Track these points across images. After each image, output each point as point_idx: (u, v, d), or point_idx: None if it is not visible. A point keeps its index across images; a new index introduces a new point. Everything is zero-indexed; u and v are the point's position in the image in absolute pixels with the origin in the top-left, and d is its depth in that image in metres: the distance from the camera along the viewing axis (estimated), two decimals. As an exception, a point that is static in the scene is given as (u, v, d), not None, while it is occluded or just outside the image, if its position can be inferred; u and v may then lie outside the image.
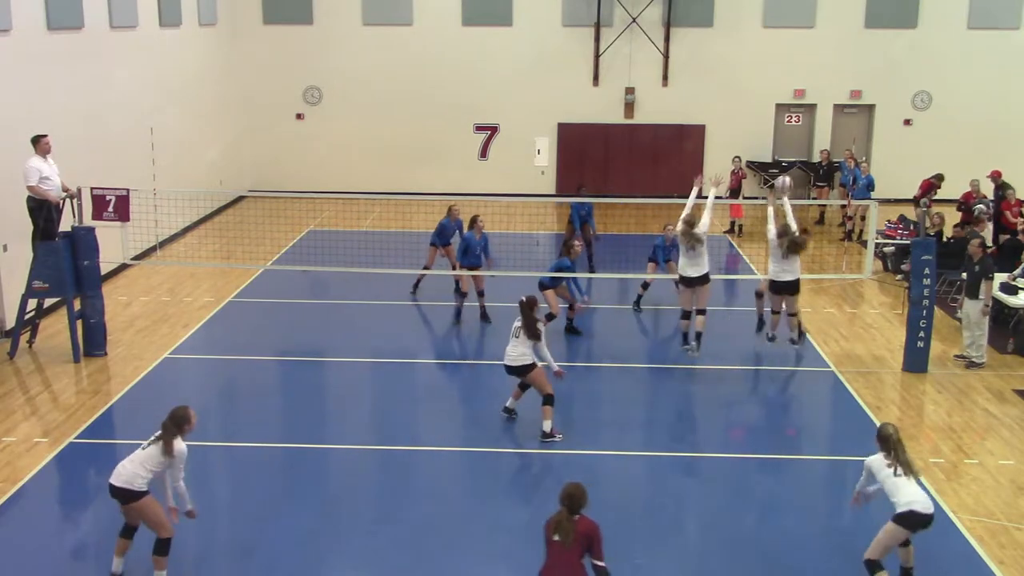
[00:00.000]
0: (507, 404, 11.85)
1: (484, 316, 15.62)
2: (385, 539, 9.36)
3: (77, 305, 13.87)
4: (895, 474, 8.11)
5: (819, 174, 24.58)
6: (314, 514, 9.77)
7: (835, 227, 23.38)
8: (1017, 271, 15.75)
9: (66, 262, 13.66)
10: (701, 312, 13.77)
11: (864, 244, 18.35)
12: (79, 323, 13.90)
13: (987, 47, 25.51)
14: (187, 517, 8.48)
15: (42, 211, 13.72)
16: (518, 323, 11.29)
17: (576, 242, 14.84)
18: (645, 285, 16.54)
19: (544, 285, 14.50)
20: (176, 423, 8.25)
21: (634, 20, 25.55)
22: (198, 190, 21.67)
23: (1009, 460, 11.16)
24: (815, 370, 13.95)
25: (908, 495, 8.01)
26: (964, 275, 14.16)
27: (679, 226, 13.65)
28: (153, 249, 19.00)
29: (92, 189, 14.09)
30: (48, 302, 14.57)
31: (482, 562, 9.03)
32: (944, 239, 17.71)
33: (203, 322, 15.78)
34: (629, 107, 26.25)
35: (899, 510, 8.02)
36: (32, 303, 14.16)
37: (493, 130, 26.42)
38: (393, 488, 10.46)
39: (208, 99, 23.68)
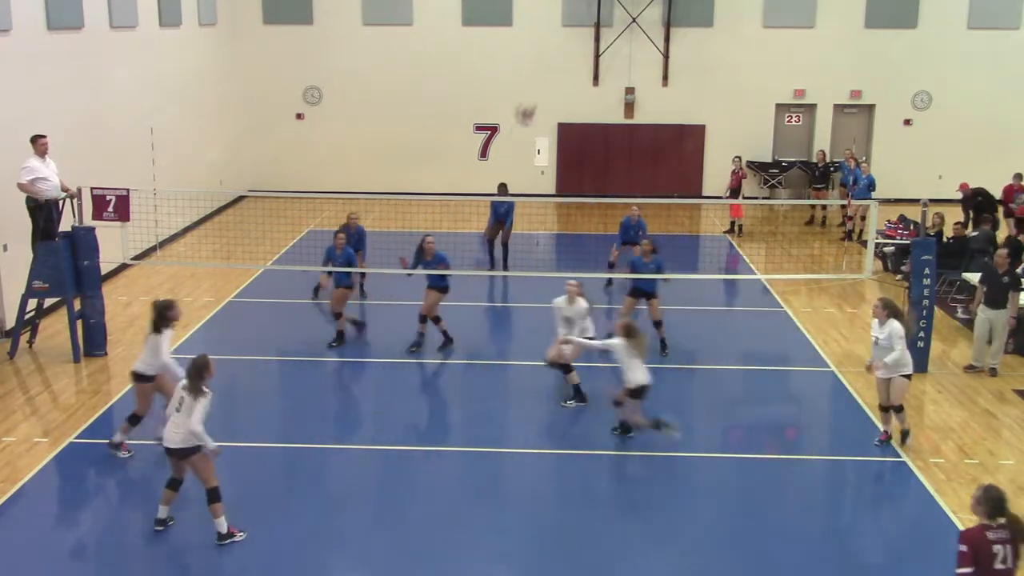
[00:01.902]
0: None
1: (357, 328, 14.80)
2: (385, 539, 9.37)
3: (77, 305, 13.87)
4: (631, 359, 10.97)
5: (815, 175, 24.58)
6: (314, 514, 9.77)
7: (835, 227, 23.38)
8: (1018, 270, 15.73)
9: (66, 262, 13.66)
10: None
11: (864, 244, 18.36)
12: (79, 323, 13.90)
13: (987, 47, 25.50)
14: (213, 455, 9.06)
15: (42, 211, 13.73)
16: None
17: (428, 239, 14.21)
18: (611, 265, 16.94)
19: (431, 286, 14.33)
20: (198, 371, 8.92)
21: (634, 20, 25.55)
22: (198, 190, 21.66)
23: (1009, 460, 11.15)
24: (815, 370, 13.95)
25: (640, 375, 10.99)
26: (973, 277, 14.02)
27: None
28: (153, 249, 19.00)
29: (92, 189, 14.08)
30: (48, 302, 14.58)
31: (482, 562, 9.03)
32: (944, 239, 17.72)
33: (203, 322, 15.79)
34: (629, 107, 26.24)
35: (631, 386, 11.01)
36: (32, 303, 14.16)
37: (493, 130, 26.41)
38: (393, 488, 10.46)
39: (208, 99, 23.68)
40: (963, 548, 6.68)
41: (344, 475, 10.84)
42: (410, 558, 9.03)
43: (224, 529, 9.12)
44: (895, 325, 10.90)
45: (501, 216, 18.70)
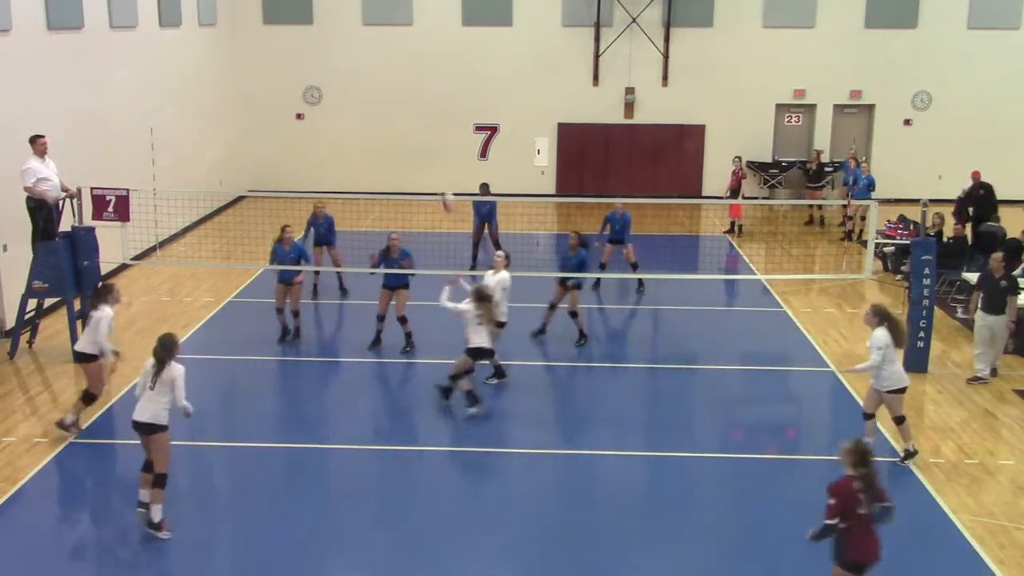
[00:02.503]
0: None
1: (296, 334, 14.66)
2: (385, 539, 9.37)
3: (77, 305, 13.87)
4: (477, 323, 11.71)
5: (809, 175, 24.63)
6: (314, 514, 9.77)
7: (835, 227, 23.38)
8: (1018, 271, 15.73)
9: (66, 262, 13.66)
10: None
11: (864, 244, 18.37)
12: (79, 323, 13.88)
13: (987, 47, 25.50)
14: (185, 417, 9.35)
15: (42, 211, 13.73)
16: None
17: (392, 236, 14.37)
18: (602, 266, 17.08)
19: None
20: (166, 349, 9.23)
21: (634, 20, 25.55)
22: (198, 190, 21.66)
23: (1009, 460, 11.15)
24: (815, 370, 13.95)
25: (481, 338, 11.82)
26: (973, 277, 13.97)
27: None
28: (153, 249, 19.00)
29: (92, 189, 14.09)
30: (48, 302, 14.58)
31: (482, 562, 9.03)
32: (944, 239, 17.72)
33: (203, 322, 15.79)
34: (629, 107, 26.24)
35: (471, 346, 11.82)
36: (32, 303, 14.17)
37: (493, 130, 26.41)
38: (393, 488, 10.47)
39: (208, 99, 23.68)
40: (832, 501, 7.28)
41: (344, 475, 10.84)
42: (410, 558, 9.03)
43: (157, 519, 9.18)
44: (876, 333, 10.48)
45: (484, 216, 18.75)
